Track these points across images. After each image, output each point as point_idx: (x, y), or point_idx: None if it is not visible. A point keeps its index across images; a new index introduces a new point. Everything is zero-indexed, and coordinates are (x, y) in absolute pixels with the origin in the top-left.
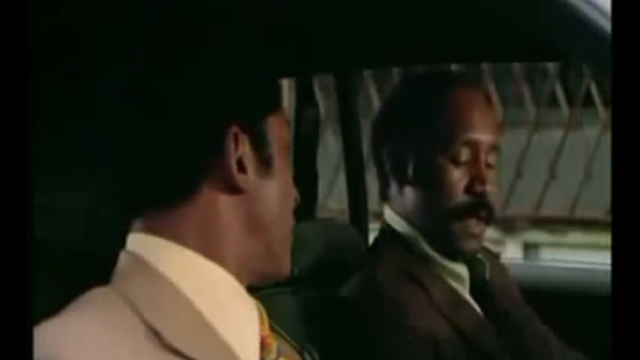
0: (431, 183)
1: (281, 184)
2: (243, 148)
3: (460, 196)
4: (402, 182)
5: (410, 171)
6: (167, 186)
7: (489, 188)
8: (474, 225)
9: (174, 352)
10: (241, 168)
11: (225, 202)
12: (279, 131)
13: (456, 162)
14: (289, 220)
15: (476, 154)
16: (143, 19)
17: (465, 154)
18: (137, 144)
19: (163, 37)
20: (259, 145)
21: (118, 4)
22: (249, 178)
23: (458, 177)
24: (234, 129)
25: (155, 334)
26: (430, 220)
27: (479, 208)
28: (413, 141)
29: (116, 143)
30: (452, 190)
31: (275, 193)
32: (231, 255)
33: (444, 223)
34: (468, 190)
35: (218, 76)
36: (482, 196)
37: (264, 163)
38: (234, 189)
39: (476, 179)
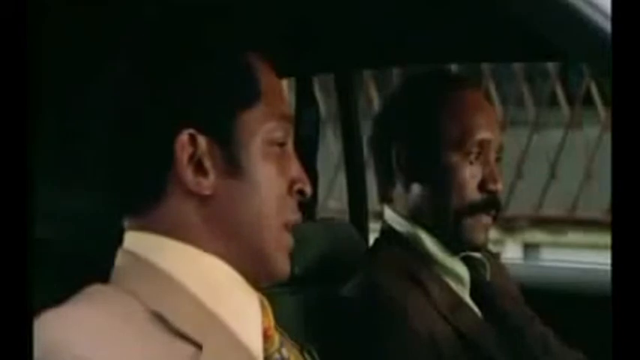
0: (444, 180)
1: (261, 181)
2: (201, 149)
3: (473, 193)
4: (411, 181)
5: (421, 169)
6: (142, 187)
7: (500, 187)
8: (483, 220)
9: (181, 336)
10: (201, 170)
11: (189, 204)
12: (257, 125)
13: (469, 160)
14: (280, 217)
15: (487, 153)
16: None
17: (477, 153)
18: (111, 147)
19: (116, 43)
20: (223, 144)
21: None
22: (210, 180)
23: (471, 175)
24: (189, 130)
25: (160, 320)
26: (440, 217)
27: (490, 205)
28: (425, 140)
29: (101, 145)
30: (465, 187)
31: (250, 191)
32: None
33: (456, 219)
34: (481, 187)
35: (166, 79)
36: (493, 193)
37: (232, 162)
38: (194, 191)
39: (488, 177)
